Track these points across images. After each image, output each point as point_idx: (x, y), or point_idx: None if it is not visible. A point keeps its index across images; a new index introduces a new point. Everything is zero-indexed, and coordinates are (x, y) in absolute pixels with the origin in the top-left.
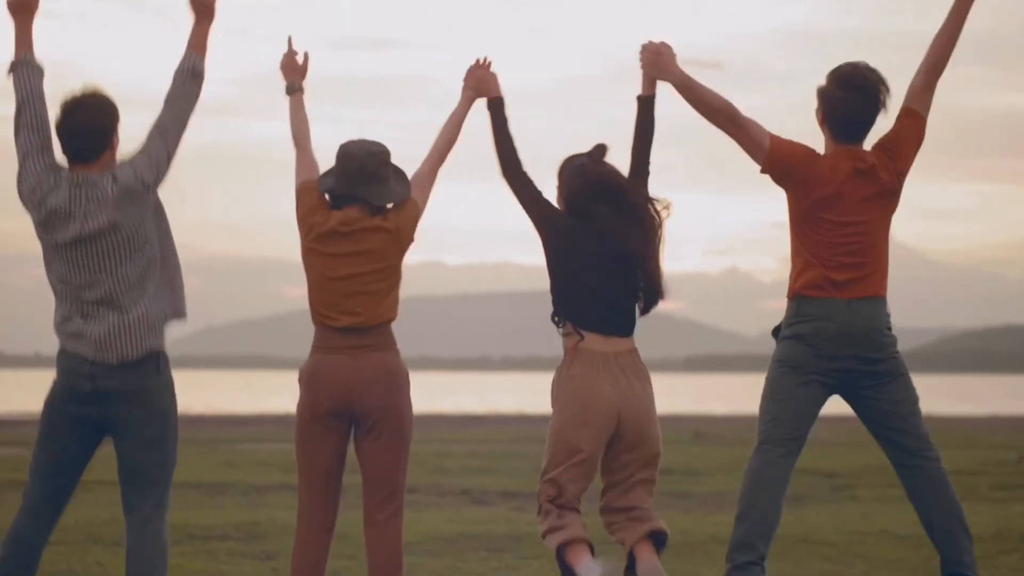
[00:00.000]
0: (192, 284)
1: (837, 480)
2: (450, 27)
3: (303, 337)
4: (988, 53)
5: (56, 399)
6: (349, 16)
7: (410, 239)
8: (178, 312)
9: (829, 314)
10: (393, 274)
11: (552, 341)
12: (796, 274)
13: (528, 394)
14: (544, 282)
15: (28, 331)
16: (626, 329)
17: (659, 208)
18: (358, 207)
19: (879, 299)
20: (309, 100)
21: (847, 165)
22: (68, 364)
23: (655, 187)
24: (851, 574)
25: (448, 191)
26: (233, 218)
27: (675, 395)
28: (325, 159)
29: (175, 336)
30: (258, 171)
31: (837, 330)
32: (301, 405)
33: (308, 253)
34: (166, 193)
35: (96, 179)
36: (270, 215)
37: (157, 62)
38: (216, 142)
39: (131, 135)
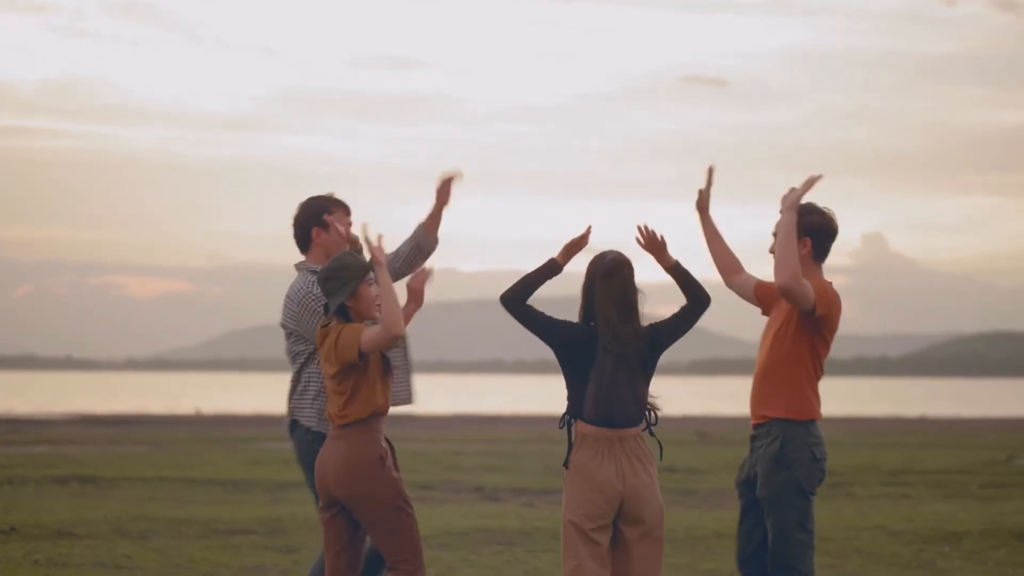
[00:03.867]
0: (218, 291)
1: (834, 478)
2: (469, 48)
3: None
4: (984, 73)
5: None
6: (370, 36)
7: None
8: None
9: None
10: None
11: None
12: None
13: (539, 396)
14: (557, 290)
15: (61, 335)
16: (635, 421)
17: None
18: None
19: None
20: (331, 116)
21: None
22: None
23: (657, 197)
24: (848, 567)
25: (461, 204)
26: (257, 228)
27: (679, 397)
28: (324, 171)
29: (201, 339)
30: (281, 183)
31: None
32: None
33: None
34: (196, 206)
35: None
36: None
37: (184, 79)
38: (242, 156)
39: (164, 148)
